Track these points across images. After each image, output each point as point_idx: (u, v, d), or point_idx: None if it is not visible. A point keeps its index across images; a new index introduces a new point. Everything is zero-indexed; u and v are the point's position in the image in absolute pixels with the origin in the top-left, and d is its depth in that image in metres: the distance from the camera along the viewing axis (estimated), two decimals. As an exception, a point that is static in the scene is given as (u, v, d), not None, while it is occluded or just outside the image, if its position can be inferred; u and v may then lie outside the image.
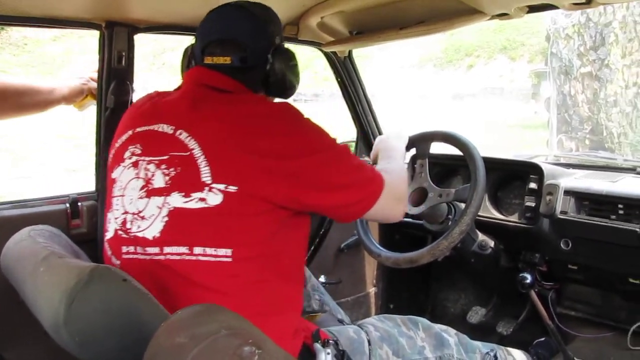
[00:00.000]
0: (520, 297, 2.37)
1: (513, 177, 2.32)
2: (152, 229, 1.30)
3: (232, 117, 1.33)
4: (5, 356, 1.83)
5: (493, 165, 2.26)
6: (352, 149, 2.89)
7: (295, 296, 1.47)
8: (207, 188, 1.27)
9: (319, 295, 2.10)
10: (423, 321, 1.75)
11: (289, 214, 1.35)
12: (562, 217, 2.05)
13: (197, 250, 1.27)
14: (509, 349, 2.07)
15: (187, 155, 1.31)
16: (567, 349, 2.30)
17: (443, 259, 2.05)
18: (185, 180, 1.30)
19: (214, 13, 1.52)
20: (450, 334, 1.76)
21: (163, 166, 1.33)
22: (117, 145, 1.47)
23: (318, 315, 2.04)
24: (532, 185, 2.15)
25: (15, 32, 19.79)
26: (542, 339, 2.38)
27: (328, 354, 1.43)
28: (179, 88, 1.54)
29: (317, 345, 1.44)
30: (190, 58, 1.59)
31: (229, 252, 1.27)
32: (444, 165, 2.50)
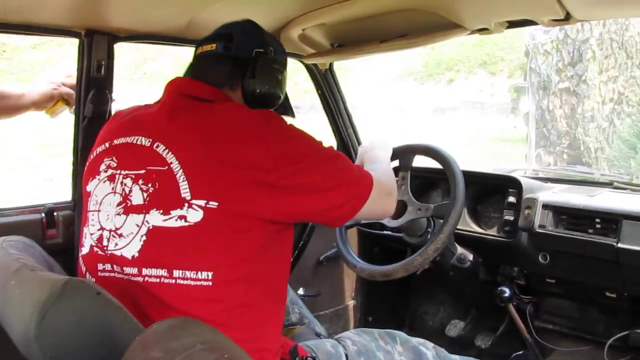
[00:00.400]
0: (499, 311, 2.38)
1: (492, 191, 2.32)
2: (131, 248, 1.25)
3: (211, 129, 1.29)
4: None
5: (473, 179, 2.27)
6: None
7: (278, 316, 1.43)
8: (186, 204, 1.23)
9: (297, 308, 2.08)
10: (401, 335, 1.74)
11: (276, 229, 1.30)
12: (540, 231, 2.06)
13: (177, 273, 1.22)
14: (488, 362, 2.07)
15: (165, 170, 1.26)
16: (544, 362, 2.30)
17: (422, 272, 2.06)
18: (164, 196, 1.25)
19: None
20: (428, 348, 1.75)
21: (140, 181, 1.29)
22: (92, 156, 1.44)
23: (296, 328, 2.03)
24: (511, 199, 2.16)
25: (-7, 39, 19.60)
26: (520, 352, 2.38)
27: (306, 370, 1.42)
28: (159, 100, 1.50)
29: (296, 362, 1.43)
30: None
31: (209, 275, 1.22)
32: (425, 179, 2.50)
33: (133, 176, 1.30)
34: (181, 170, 1.25)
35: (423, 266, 1.81)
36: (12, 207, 1.98)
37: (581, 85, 10.16)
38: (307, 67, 2.50)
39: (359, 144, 2.78)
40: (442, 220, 1.81)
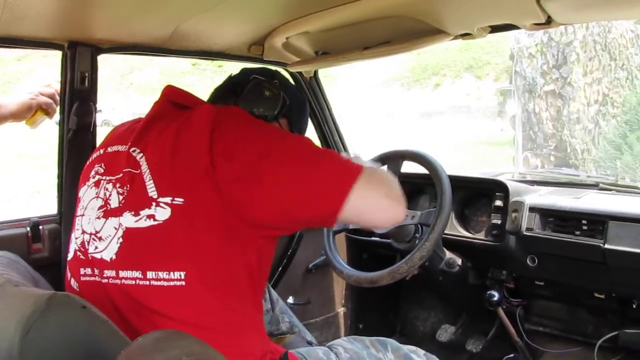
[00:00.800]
0: (489, 314, 2.38)
1: (479, 195, 2.33)
2: (109, 251, 1.28)
3: (180, 129, 1.31)
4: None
5: (460, 183, 2.27)
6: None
7: (258, 320, 1.43)
8: (154, 203, 1.25)
9: (287, 317, 2.08)
10: (392, 342, 1.74)
11: (256, 233, 1.29)
12: (527, 234, 2.07)
13: (150, 274, 1.23)
14: (479, 367, 2.07)
15: (137, 173, 1.30)
16: (535, 365, 2.31)
17: (411, 278, 2.05)
18: (135, 197, 1.28)
19: None
20: (419, 355, 1.75)
21: (118, 185, 1.32)
22: (87, 164, 1.49)
23: (287, 337, 2.02)
24: (498, 202, 2.17)
25: (-22, 52, 19.53)
26: (511, 355, 2.39)
27: (297, 376, 1.41)
28: None
29: (286, 368, 1.42)
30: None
31: (182, 275, 1.22)
32: (413, 184, 2.50)
33: (114, 181, 1.34)
34: (148, 171, 1.28)
35: (410, 273, 1.80)
36: (-4, 222, 1.96)
37: (566, 87, 10.24)
38: (292, 75, 2.50)
39: (345, 150, 2.78)
40: (429, 227, 1.81)
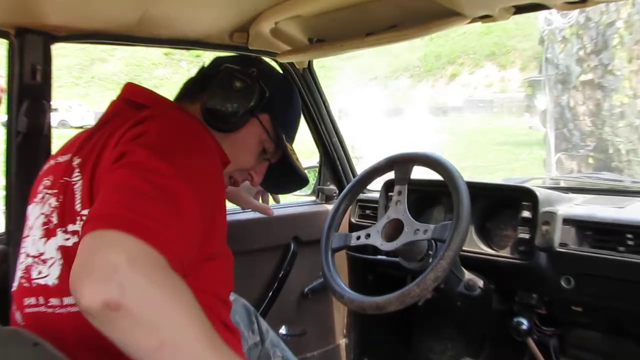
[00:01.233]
0: (517, 346, 2.37)
1: (503, 205, 2.33)
2: (52, 276, 1.30)
3: (125, 135, 1.33)
4: None
5: (480, 191, 2.27)
6: (315, 173, 2.91)
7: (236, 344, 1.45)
8: (78, 218, 1.28)
9: (280, 351, 2.08)
10: (402, 379, 1.75)
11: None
12: (561, 250, 2.06)
13: None
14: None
15: (70, 183, 1.34)
16: (572, 405, 2.30)
17: (424, 303, 2.05)
18: (64, 212, 1.32)
19: None
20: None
21: (56, 199, 1.36)
22: (39, 175, 1.53)
23: (279, 376, 2.02)
24: (526, 213, 2.16)
25: None
26: (544, 394, 2.38)
27: None
28: None
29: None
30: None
31: None
32: (425, 193, 2.51)
33: (56, 194, 1.38)
34: (80, 181, 1.32)
35: (422, 297, 1.81)
36: None
37: (607, 76, 10.18)
38: (282, 66, 2.51)
39: (347, 156, 2.80)
40: (444, 243, 1.81)
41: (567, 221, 2.08)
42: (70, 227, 1.29)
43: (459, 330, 2.87)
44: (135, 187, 1.16)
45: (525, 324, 2.23)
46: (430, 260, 1.98)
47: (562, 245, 2.06)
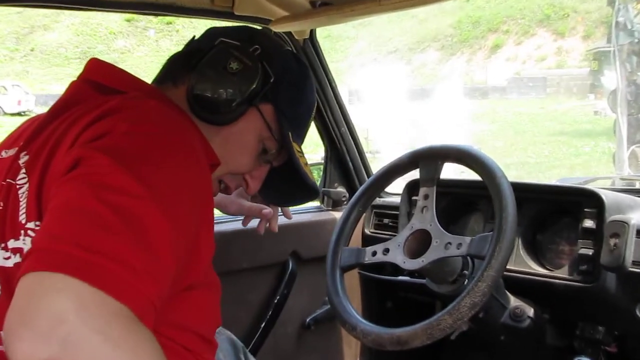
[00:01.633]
0: (579, 392, 2.38)
1: (559, 213, 2.34)
2: None
3: (83, 132, 1.33)
4: None
5: (530, 195, 2.28)
6: (320, 172, 2.91)
7: None
8: (23, 232, 1.28)
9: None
10: None
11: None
12: (635, 270, 2.05)
13: None
14: None
15: (14, 186, 1.34)
16: None
17: (458, 337, 2.06)
18: (5, 223, 1.32)
19: None
20: None
21: None
22: None
23: None
24: (588, 223, 2.16)
25: None
26: None
27: None
28: None
29: None
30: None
31: None
32: (458, 198, 2.51)
33: None
34: (27, 185, 1.32)
35: (456, 329, 1.81)
36: None
37: None
38: (278, 36, 2.52)
39: (359, 148, 2.80)
40: (483, 261, 1.82)
41: (643, 233, 2.08)
42: (12, 244, 1.28)
43: (502, 371, 2.88)
44: (89, 212, 1.14)
45: (589, 364, 2.23)
46: (465, 282, 1.99)
47: (637, 263, 2.05)
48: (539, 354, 2.36)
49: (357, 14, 2.07)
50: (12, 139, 1.54)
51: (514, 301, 2.16)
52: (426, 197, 2.03)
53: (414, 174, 2.15)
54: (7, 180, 1.36)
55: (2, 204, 1.34)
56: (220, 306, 1.55)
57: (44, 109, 1.81)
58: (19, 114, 27.71)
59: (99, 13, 2.01)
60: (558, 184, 2.50)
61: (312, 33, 2.60)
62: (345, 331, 2.06)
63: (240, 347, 2.09)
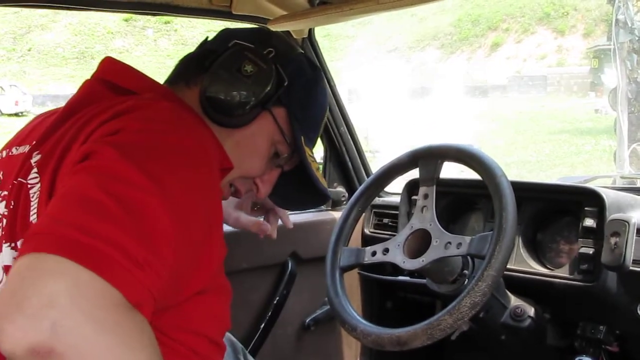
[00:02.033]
0: (580, 392, 2.38)
1: (560, 212, 2.34)
2: None
3: (97, 129, 1.34)
4: None
5: (530, 194, 2.29)
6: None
7: None
8: None
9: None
10: None
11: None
12: (636, 268, 2.05)
13: None
14: None
15: (25, 185, 1.34)
16: None
17: (459, 337, 2.06)
18: (15, 222, 1.32)
19: None
20: None
21: (6, 203, 1.37)
22: None
23: None
24: (589, 222, 2.16)
25: None
26: None
27: None
28: None
29: None
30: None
31: None
32: (458, 197, 2.51)
33: (6, 197, 1.39)
34: (38, 185, 1.33)
35: (456, 329, 1.81)
36: None
37: None
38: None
39: (358, 149, 2.80)
40: (483, 260, 1.82)
41: (643, 232, 2.08)
42: (21, 244, 1.24)
43: (503, 372, 2.88)
44: (92, 200, 1.14)
45: (590, 364, 2.23)
46: (465, 282, 1.99)
47: (637, 262, 2.05)
48: (540, 353, 2.36)
49: (356, 12, 2.07)
50: (22, 136, 1.55)
51: (514, 301, 2.16)
52: (426, 196, 2.03)
53: (414, 173, 2.16)
54: (19, 179, 1.37)
55: (13, 203, 1.34)
56: (230, 310, 1.55)
57: (41, 110, 1.81)
58: (16, 114, 27.73)
59: (97, 13, 2.01)
60: (558, 182, 2.50)
61: (311, 32, 2.60)
62: (345, 332, 2.06)
63: (239, 348, 2.09)
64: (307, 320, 2.77)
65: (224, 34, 1.72)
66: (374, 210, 2.83)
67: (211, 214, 1.36)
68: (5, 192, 1.40)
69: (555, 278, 2.23)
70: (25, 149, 1.46)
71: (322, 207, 2.95)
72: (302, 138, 1.72)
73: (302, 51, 1.96)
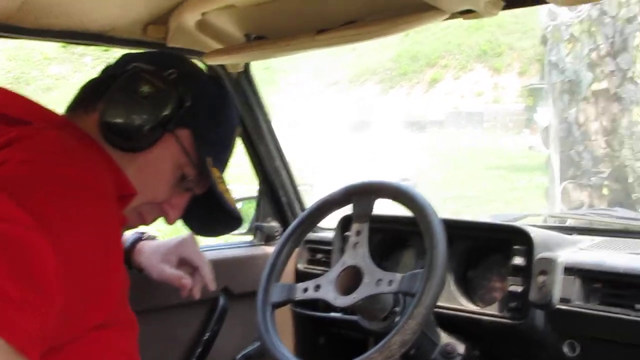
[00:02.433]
0: None
1: (490, 250, 2.36)
2: None
3: None
4: None
5: (461, 231, 2.30)
6: (253, 209, 2.90)
7: None
8: None
9: None
10: None
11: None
12: (563, 307, 2.07)
13: None
14: None
15: None
16: None
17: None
18: None
19: None
20: None
21: None
22: None
23: None
24: (518, 260, 2.18)
25: None
26: None
27: None
28: None
29: None
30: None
31: None
32: (390, 234, 2.53)
33: None
34: None
35: None
36: None
37: (626, 85, 10.22)
38: (211, 70, 2.52)
39: (293, 184, 2.80)
40: (413, 298, 1.82)
41: (570, 270, 2.09)
42: None
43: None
44: None
45: (519, 400, 2.24)
46: (396, 319, 2.00)
47: (564, 301, 2.07)
48: (470, 390, 2.37)
49: (292, 48, 2.08)
50: None
51: (445, 338, 2.17)
52: (358, 233, 2.04)
53: (348, 210, 2.16)
54: None
55: None
56: (138, 346, 1.53)
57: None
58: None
59: (30, 41, 2.00)
60: (489, 220, 2.52)
61: (247, 66, 2.59)
62: None
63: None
64: (237, 357, 2.74)
65: (125, 58, 1.72)
66: (307, 245, 2.83)
67: (105, 243, 1.34)
68: None
69: (485, 315, 2.25)
70: None
71: (255, 241, 2.94)
72: (211, 159, 1.71)
73: (207, 74, 1.96)
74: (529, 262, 2.16)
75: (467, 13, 1.83)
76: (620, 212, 2.84)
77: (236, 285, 2.72)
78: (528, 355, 2.24)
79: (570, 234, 2.38)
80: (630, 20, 10.06)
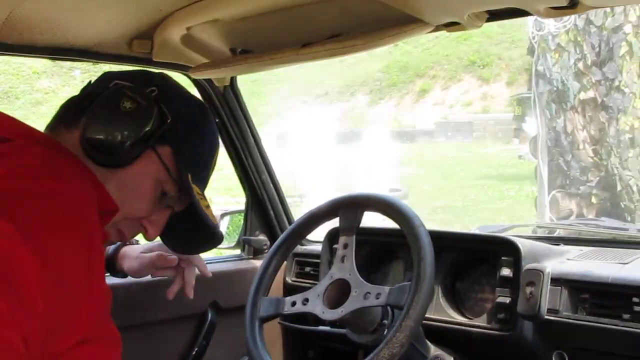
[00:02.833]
0: None
1: (478, 261, 2.36)
2: None
3: None
4: None
5: (449, 242, 2.30)
6: (240, 223, 2.90)
7: None
8: None
9: None
10: None
11: None
12: (550, 318, 2.08)
13: None
14: None
15: None
16: None
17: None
18: None
19: None
20: None
21: None
22: None
23: None
24: (506, 271, 2.17)
25: None
26: None
27: None
28: None
29: None
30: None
31: None
32: (378, 246, 2.52)
33: None
34: None
35: None
36: None
37: (613, 94, 10.23)
38: (197, 84, 2.51)
39: (280, 196, 2.80)
40: (401, 310, 1.82)
41: (558, 281, 2.10)
42: None
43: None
44: None
45: (508, 411, 2.24)
46: (385, 333, 1.99)
47: (552, 311, 2.08)
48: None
49: (277, 62, 2.08)
50: None
51: (434, 350, 2.16)
52: (345, 246, 2.03)
53: (336, 223, 2.16)
54: None
55: None
56: None
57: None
58: None
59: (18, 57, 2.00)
60: (476, 232, 2.52)
61: (233, 80, 2.58)
62: None
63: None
64: (226, 371, 2.74)
65: (106, 76, 1.71)
66: (295, 258, 2.82)
67: (87, 258, 1.34)
68: None
69: (473, 327, 2.24)
70: None
71: (243, 255, 2.93)
72: (190, 176, 1.70)
73: (192, 93, 1.96)
74: (516, 273, 2.16)
75: (451, 25, 1.84)
76: (608, 222, 2.86)
77: (224, 299, 2.71)
78: (516, 365, 2.23)
79: (558, 244, 2.38)
80: (616, 29, 10.08)
